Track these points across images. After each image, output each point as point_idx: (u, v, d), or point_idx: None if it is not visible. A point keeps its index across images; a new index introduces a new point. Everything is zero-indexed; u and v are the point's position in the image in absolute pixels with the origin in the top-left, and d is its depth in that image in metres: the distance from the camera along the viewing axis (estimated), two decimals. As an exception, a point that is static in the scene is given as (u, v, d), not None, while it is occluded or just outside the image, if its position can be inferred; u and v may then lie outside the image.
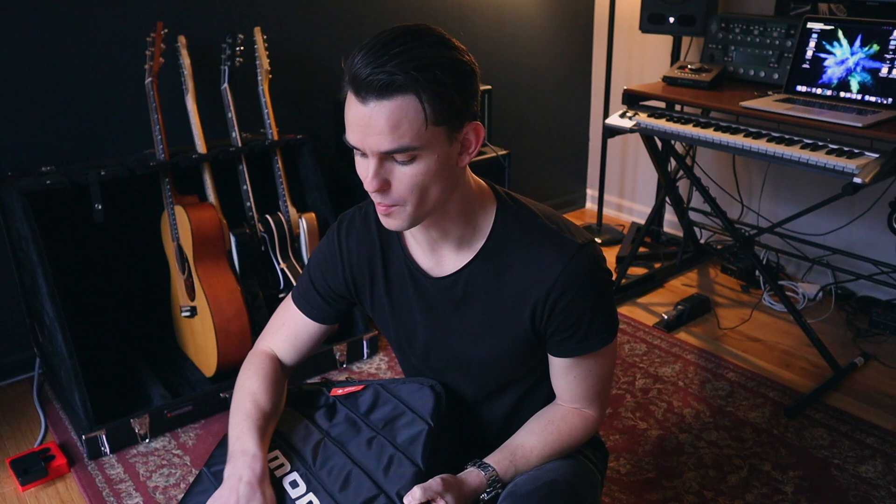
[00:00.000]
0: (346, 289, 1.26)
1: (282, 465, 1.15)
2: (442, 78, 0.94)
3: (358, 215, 1.25)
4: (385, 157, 0.98)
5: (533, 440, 1.15)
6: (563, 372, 1.17)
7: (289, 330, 1.31)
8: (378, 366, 2.48)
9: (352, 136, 0.99)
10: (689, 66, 2.62)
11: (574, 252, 1.08)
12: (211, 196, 2.35)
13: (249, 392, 1.21)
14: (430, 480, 1.04)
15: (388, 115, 0.94)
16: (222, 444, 1.25)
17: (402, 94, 0.93)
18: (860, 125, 2.01)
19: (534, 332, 1.13)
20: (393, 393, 1.23)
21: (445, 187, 1.03)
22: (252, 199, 2.40)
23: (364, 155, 1.00)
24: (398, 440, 1.14)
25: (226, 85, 2.36)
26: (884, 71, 2.17)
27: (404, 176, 0.99)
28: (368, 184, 0.99)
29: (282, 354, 1.31)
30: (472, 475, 1.10)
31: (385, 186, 0.99)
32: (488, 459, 1.13)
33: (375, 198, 1.02)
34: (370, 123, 0.95)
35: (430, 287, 1.17)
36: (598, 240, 3.35)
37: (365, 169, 1.00)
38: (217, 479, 1.18)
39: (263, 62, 2.40)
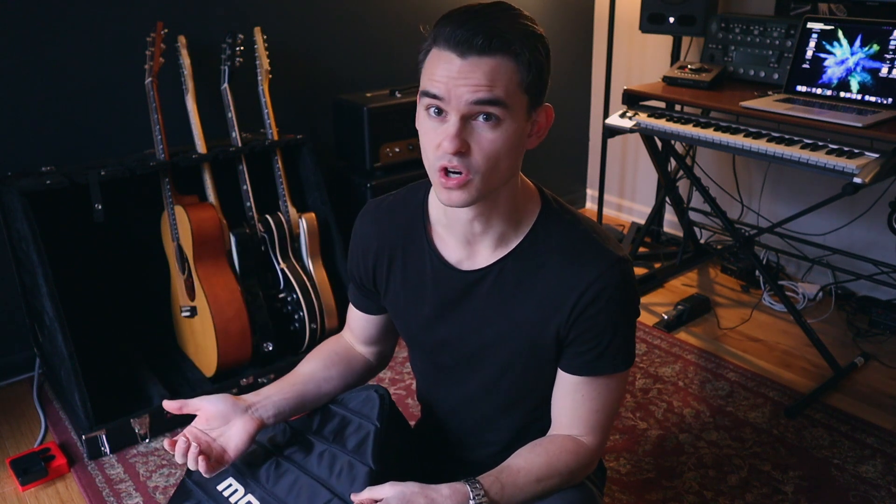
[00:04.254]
0: (368, 278, 1.24)
1: (236, 490, 1.15)
2: (539, 48, 0.98)
3: (385, 203, 1.23)
4: (468, 119, 0.96)
5: (520, 461, 1.09)
6: (568, 390, 1.13)
7: (350, 320, 1.36)
8: (378, 366, 2.47)
9: (437, 87, 0.96)
10: (689, 66, 2.62)
11: (612, 262, 1.07)
12: (211, 196, 2.35)
13: (310, 359, 1.31)
14: (383, 485, 1.01)
15: (487, 70, 0.94)
16: None
17: (503, 53, 0.95)
18: (860, 125, 2.01)
19: (555, 338, 1.10)
20: (340, 405, 1.22)
21: (511, 166, 1.03)
22: (252, 199, 2.40)
23: (440, 115, 0.97)
24: (348, 446, 1.13)
25: (226, 85, 2.36)
26: (884, 71, 2.17)
27: (485, 140, 0.97)
28: (449, 143, 0.96)
29: (353, 343, 1.36)
30: (447, 485, 1.02)
31: (465, 148, 0.97)
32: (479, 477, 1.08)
33: (447, 162, 0.98)
34: (466, 76, 0.94)
35: (454, 281, 1.14)
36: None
37: (436, 132, 0.98)
38: (199, 486, 1.18)
39: (263, 62, 2.40)
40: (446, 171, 0.99)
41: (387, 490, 1.00)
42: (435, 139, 0.98)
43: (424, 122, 1.01)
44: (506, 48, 0.95)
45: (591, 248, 1.08)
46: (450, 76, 0.95)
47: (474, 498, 1.00)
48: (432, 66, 0.97)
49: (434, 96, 0.97)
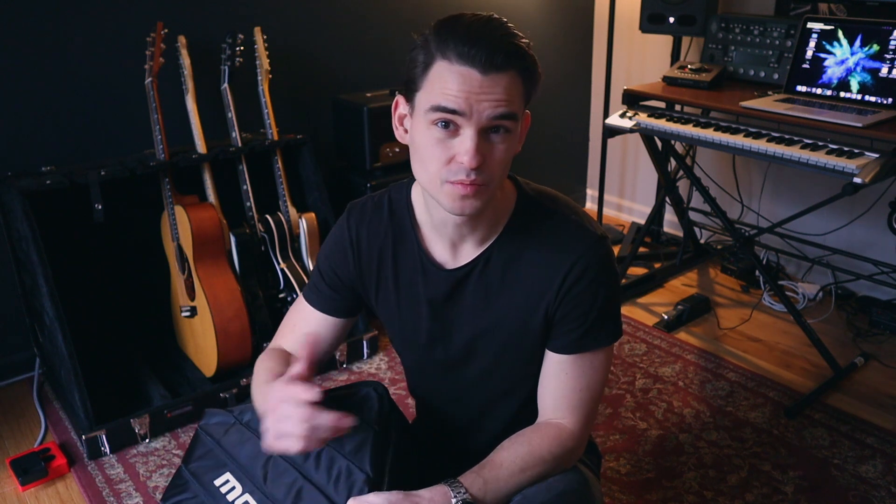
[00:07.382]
0: (354, 278, 1.24)
1: (233, 488, 1.15)
2: (537, 61, 1.03)
3: (370, 204, 1.23)
4: (483, 133, 0.99)
5: (503, 453, 1.11)
6: (554, 371, 1.15)
7: (301, 328, 1.28)
8: (378, 366, 2.48)
9: (455, 102, 0.97)
10: (689, 66, 2.62)
11: (594, 241, 1.12)
12: (211, 196, 2.35)
13: (265, 370, 1.18)
14: (367, 495, 1.01)
15: (505, 85, 0.98)
16: (196, 442, 1.25)
17: (515, 68, 0.99)
18: (860, 125, 2.01)
19: (544, 320, 1.13)
20: (337, 401, 1.20)
21: (508, 172, 1.09)
22: (252, 199, 2.40)
23: (448, 128, 0.99)
24: (346, 449, 1.13)
25: (226, 85, 2.36)
26: (884, 71, 2.17)
27: (498, 152, 1.02)
28: (471, 159, 0.98)
29: (295, 352, 1.25)
30: (429, 489, 1.03)
31: (482, 162, 1.00)
32: (459, 476, 1.07)
33: (465, 177, 0.99)
34: (488, 91, 0.97)
35: (443, 279, 1.16)
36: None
37: (445, 146, 0.99)
38: (195, 477, 1.18)
39: (263, 62, 2.40)
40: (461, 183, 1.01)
41: (371, 499, 1.01)
42: (444, 153, 1.00)
43: (427, 136, 1.00)
44: (519, 64, 0.99)
45: (572, 228, 1.13)
46: (471, 91, 0.97)
47: (455, 496, 1.02)
48: (443, 81, 0.97)
49: (452, 111, 0.97)
